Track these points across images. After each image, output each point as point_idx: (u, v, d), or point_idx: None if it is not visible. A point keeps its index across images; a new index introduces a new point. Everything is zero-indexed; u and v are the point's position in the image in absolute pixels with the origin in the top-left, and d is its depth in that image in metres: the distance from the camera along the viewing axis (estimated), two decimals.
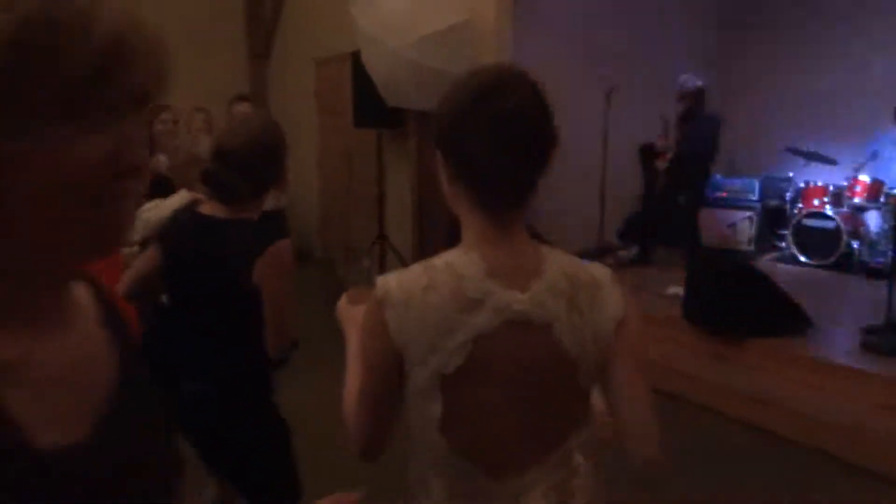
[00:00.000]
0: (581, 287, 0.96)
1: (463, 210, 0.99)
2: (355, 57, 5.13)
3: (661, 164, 5.07)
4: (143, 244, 3.63)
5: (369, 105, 5.17)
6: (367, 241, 5.77)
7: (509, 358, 0.93)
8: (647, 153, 5.25)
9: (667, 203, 5.12)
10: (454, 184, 0.99)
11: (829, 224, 5.56)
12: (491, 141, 0.92)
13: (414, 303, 0.93)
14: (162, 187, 3.27)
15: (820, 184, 5.87)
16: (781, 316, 3.86)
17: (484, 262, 0.94)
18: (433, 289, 0.93)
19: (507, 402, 0.95)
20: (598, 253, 5.37)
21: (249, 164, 1.66)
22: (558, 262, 0.97)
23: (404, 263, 5.69)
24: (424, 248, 5.61)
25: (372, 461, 1.03)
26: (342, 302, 1.07)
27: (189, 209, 1.79)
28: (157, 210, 2.93)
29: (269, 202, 2.82)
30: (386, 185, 5.79)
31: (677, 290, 4.52)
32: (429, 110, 5.15)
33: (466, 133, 0.93)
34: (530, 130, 0.94)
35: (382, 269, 5.35)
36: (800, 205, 5.92)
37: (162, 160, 3.47)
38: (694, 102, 5.05)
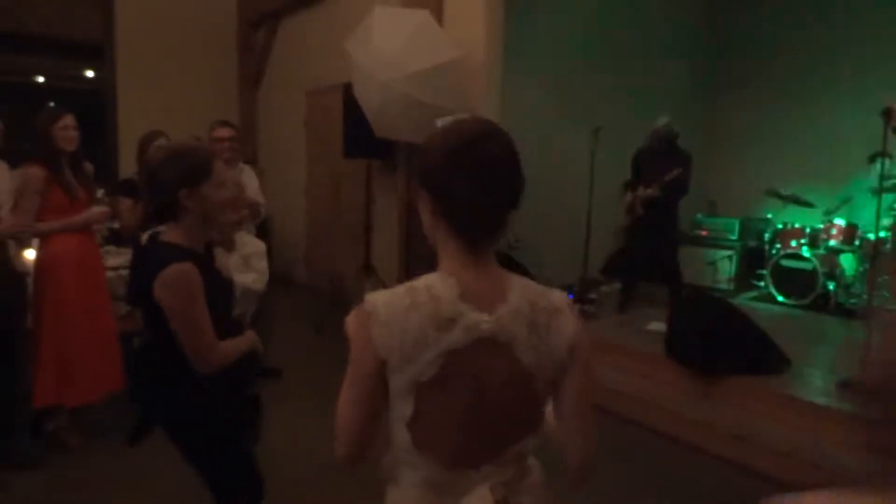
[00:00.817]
0: (540, 312, 1.10)
1: (441, 239, 1.13)
2: (346, 88, 5.21)
3: (639, 210, 5.16)
4: (135, 247, 3.71)
5: (359, 136, 5.23)
6: (352, 268, 5.78)
7: (475, 371, 1.07)
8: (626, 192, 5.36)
9: (646, 240, 5.20)
10: (435, 216, 1.12)
11: (807, 265, 5.69)
12: (474, 182, 1.06)
13: (397, 320, 1.06)
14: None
15: (797, 225, 6.02)
16: (762, 355, 3.92)
17: (458, 286, 1.08)
18: (414, 308, 1.06)
19: (470, 408, 1.09)
20: (581, 287, 5.43)
21: (147, 184, 1.79)
22: (522, 289, 1.11)
23: None
24: (410, 278, 5.63)
25: (353, 466, 1.15)
26: (351, 317, 1.15)
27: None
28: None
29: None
30: (373, 215, 5.83)
31: (659, 326, 4.58)
32: (417, 143, 5.24)
33: (452, 174, 1.07)
34: (507, 175, 1.09)
35: None
36: (778, 245, 6.06)
37: None
38: (671, 142, 5.18)
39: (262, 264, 3.47)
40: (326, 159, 6.54)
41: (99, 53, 7.07)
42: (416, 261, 5.53)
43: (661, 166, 5.02)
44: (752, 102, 7.10)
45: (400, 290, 1.10)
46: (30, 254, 3.34)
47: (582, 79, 6.27)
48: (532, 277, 4.69)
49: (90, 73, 10.42)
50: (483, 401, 1.08)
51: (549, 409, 1.19)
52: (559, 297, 1.13)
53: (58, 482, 3.05)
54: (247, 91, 7.73)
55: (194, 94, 7.05)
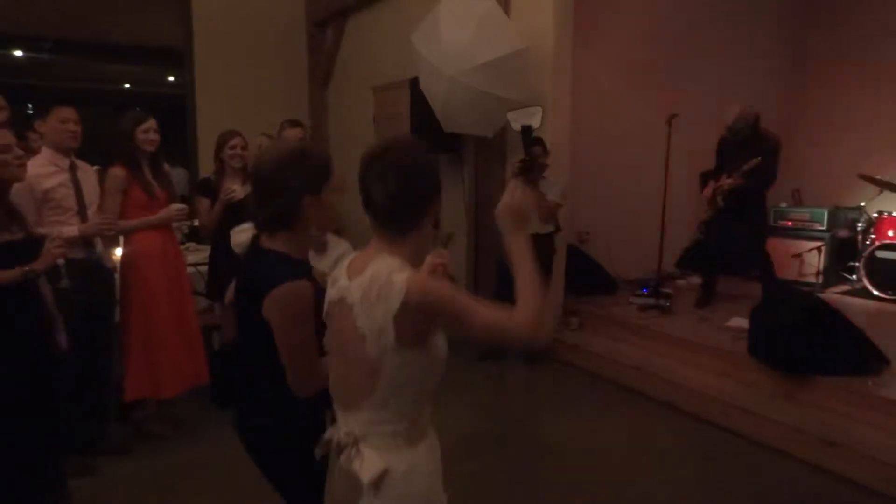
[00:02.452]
0: (375, 284, 1.29)
1: None
2: (413, 83, 5.22)
3: (719, 202, 4.87)
4: (214, 245, 3.82)
5: (426, 130, 5.22)
6: (420, 263, 5.79)
7: (336, 320, 1.40)
8: (709, 181, 5.07)
9: (728, 232, 4.93)
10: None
11: None
12: (361, 188, 1.36)
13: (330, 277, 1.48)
14: (238, 214, 3.43)
15: (895, 214, 5.59)
16: (854, 353, 3.66)
17: (353, 260, 1.43)
18: (336, 270, 1.46)
19: (335, 354, 1.43)
20: (656, 282, 5.24)
21: (261, 193, 1.64)
22: (374, 267, 1.32)
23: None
24: (478, 272, 5.60)
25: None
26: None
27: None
28: (248, 231, 3.04)
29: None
30: (441, 210, 5.82)
31: (741, 322, 4.36)
32: (486, 136, 5.21)
33: (367, 179, 1.35)
34: (384, 185, 1.32)
35: None
36: (872, 236, 5.65)
37: (238, 189, 3.59)
38: (754, 127, 4.86)
39: None
40: None
41: (179, 59, 7.38)
42: (485, 254, 5.49)
43: (744, 154, 4.73)
44: (841, 83, 6.63)
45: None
46: (118, 251, 3.51)
47: (656, 65, 6.04)
48: (600, 270, 4.57)
49: (171, 78, 10.96)
50: (342, 349, 1.38)
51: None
52: (399, 276, 1.27)
53: (145, 469, 3.21)
54: (316, 90, 7.88)
55: (266, 94, 7.25)
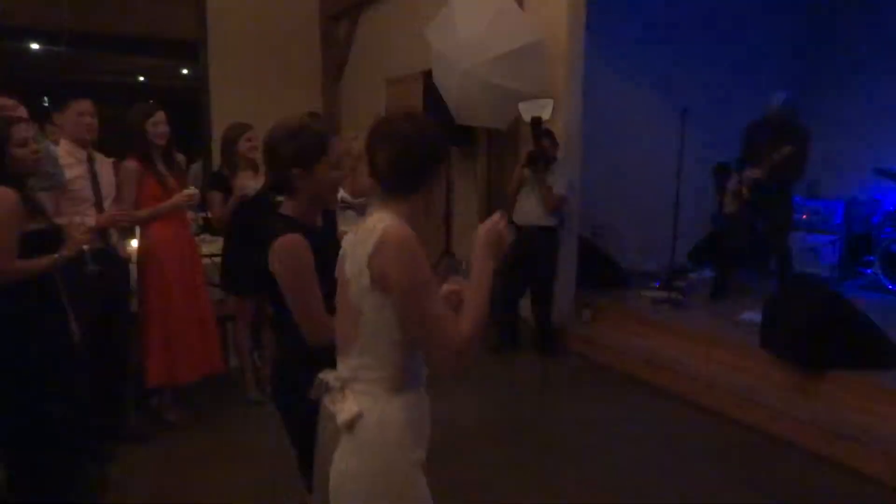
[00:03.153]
0: (363, 231, 1.36)
1: None
2: (426, 76, 5.22)
3: (745, 194, 4.80)
4: (228, 235, 3.85)
5: (439, 123, 5.23)
6: (433, 256, 5.82)
7: (339, 273, 1.45)
8: (724, 176, 5.02)
9: (744, 226, 4.89)
10: None
11: None
12: (385, 148, 1.40)
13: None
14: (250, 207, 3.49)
15: None
16: (868, 347, 3.64)
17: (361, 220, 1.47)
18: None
19: (338, 307, 1.47)
20: (669, 275, 5.23)
21: (265, 158, 1.80)
22: (370, 220, 1.38)
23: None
24: None
25: None
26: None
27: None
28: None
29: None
30: (453, 201, 5.84)
31: (754, 316, 4.34)
32: (498, 128, 5.21)
33: (371, 145, 1.43)
34: (386, 152, 1.39)
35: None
36: (888, 229, 5.59)
37: (250, 185, 3.64)
38: (785, 118, 4.78)
39: None
40: None
41: (193, 52, 7.42)
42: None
43: (774, 143, 4.66)
44: (856, 76, 6.55)
45: None
46: (134, 243, 3.55)
47: (669, 59, 6.00)
48: (613, 262, 4.56)
49: (186, 71, 11.00)
50: (340, 297, 1.44)
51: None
52: (379, 223, 1.33)
53: (162, 456, 3.26)
54: (330, 82, 7.91)
55: (280, 87, 7.28)
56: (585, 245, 5.42)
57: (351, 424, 1.37)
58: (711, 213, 5.95)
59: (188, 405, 3.70)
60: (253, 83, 7.16)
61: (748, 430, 3.60)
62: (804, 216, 6.08)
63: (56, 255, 2.35)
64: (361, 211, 2.85)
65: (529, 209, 4.64)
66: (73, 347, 2.47)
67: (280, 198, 1.86)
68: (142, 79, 12.30)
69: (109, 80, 11.39)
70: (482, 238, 1.46)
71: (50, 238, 2.37)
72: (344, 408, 1.39)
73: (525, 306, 4.95)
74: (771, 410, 3.56)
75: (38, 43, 9.76)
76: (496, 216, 1.51)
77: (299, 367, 1.72)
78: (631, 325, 4.89)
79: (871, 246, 5.77)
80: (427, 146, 1.42)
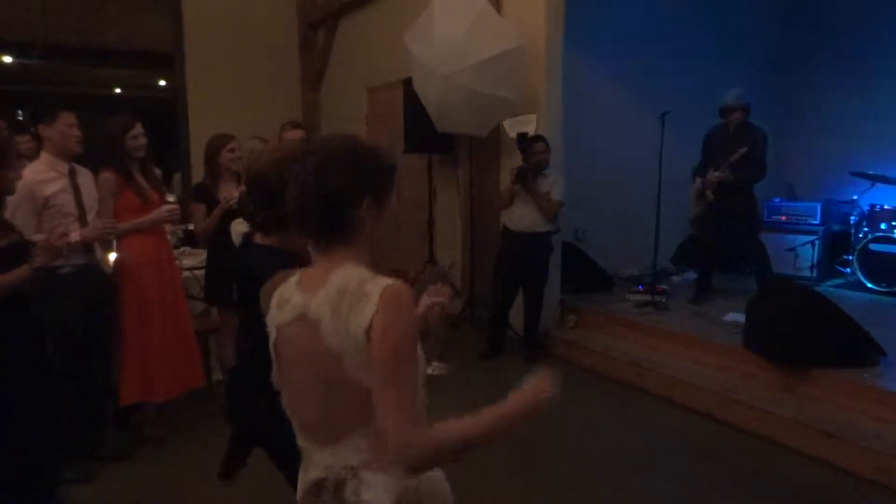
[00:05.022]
0: (346, 296, 1.16)
1: None
2: (406, 84, 5.21)
3: (709, 196, 4.89)
4: (210, 248, 3.83)
5: (420, 131, 5.23)
6: (415, 264, 5.79)
7: (296, 344, 1.24)
8: (695, 178, 5.09)
9: (721, 228, 4.94)
10: None
11: None
12: (290, 193, 1.24)
13: (272, 301, 1.32)
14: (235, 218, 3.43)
15: (888, 207, 5.62)
16: (851, 345, 3.68)
17: (300, 275, 1.29)
18: (278, 290, 1.31)
19: (303, 385, 1.25)
20: (652, 278, 5.26)
21: (267, 193, 1.69)
22: (338, 278, 1.19)
23: (453, 287, 5.69)
24: (475, 272, 5.60)
25: None
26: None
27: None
28: (244, 225, 3.05)
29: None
30: (436, 210, 5.82)
31: (737, 317, 4.37)
32: (479, 136, 5.21)
33: (289, 184, 1.25)
34: (305, 190, 1.21)
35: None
36: (866, 229, 5.68)
37: (236, 195, 3.58)
38: (745, 117, 4.87)
39: None
40: None
41: (170, 62, 7.35)
42: (481, 254, 5.49)
43: (732, 146, 4.76)
44: (831, 79, 6.66)
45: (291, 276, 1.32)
46: (113, 256, 3.49)
47: (647, 63, 6.06)
48: (596, 267, 4.56)
49: (163, 82, 10.89)
50: (312, 375, 1.21)
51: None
52: (374, 285, 1.15)
53: (145, 474, 3.19)
54: (309, 91, 7.87)
55: (259, 96, 7.23)
56: (569, 250, 5.43)
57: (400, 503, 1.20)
58: (690, 216, 6.00)
59: (170, 421, 3.63)
60: (231, 93, 7.11)
61: (734, 430, 3.61)
62: (783, 217, 6.16)
63: (32, 265, 2.30)
64: None
65: (523, 215, 4.63)
66: (47, 363, 2.41)
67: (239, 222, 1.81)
68: (118, 90, 12.19)
69: (84, 91, 11.27)
70: (531, 400, 1.26)
71: (20, 253, 2.31)
72: (377, 492, 1.19)
73: (511, 312, 4.94)
74: (756, 410, 3.58)
75: (10, 55, 9.62)
76: (543, 383, 1.30)
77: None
78: (615, 329, 4.90)
79: (849, 245, 5.85)
80: (342, 173, 1.20)
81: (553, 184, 4.60)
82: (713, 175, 4.79)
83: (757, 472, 3.20)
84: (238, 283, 1.78)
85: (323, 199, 1.20)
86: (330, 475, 1.22)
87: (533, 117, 4.64)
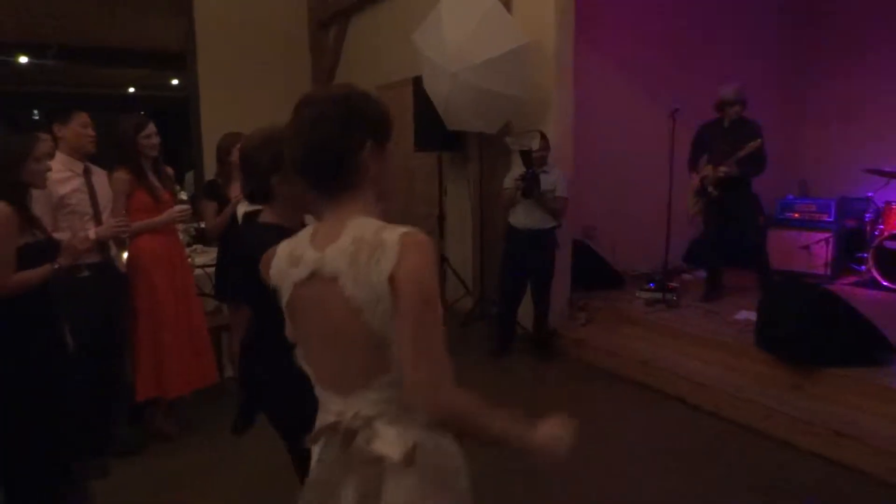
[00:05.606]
0: (362, 246, 1.15)
1: None
2: (416, 82, 5.22)
3: (713, 192, 4.86)
4: (221, 246, 3.83)
5: (430, 128, 5.24)
6: None
7: (313, 301, 1.23)
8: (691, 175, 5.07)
9: (727, 224, 4.89)
10: None
11: None
12: (291, 142, 1.24)
13: (276, 258, 1.30)
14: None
15: None
16: (863, 344, 3.64)
17: (312, 230, 1.28)
18: (286, 247, 1.29)
19: (320, 338, 1.25)
20: (662, 276, 5.23)
21: (242, 167, 1.85)
22: (353, 229, 1.18)
23: (464, 284, 5.70)
24: (484, 268, 5.60)
25: None
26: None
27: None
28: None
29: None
30: (446, 207, 5.83)
31: (748, 315, 4.35)
32: (488, 133, 5.21)
33: (287, 139, 1.26)
34: (312, 136, 1.20)
35: (442, 288, 5.35)
36: (881, 226, 5.62)
37: None
38: (742, 111, 4.83)
39: None
40: (398, 153, 6.57)
41: (182, 62, 7.41)
42: (490, 250, 5.49)
43: (732, 140, 4.71)
44: (845, 73, 6.59)
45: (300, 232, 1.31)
46: (125, 255, 3.54)
47: (658, 58, 6.02)
48: (606, 264, 4.52)
49: (175, 82, 11.00)
50: (330, 329, 1.21)
51: None
52: (391, 233, 1.14)
53: (156, 470, 3.23)
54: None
55: (270, 95, 7.23)
56: (579, 247, 5.42)
57: (411, 458, 1.18)
58: (692, 213, 5.97)
59: (182, 417, 3.67)
60: (243, 92, 7.15)
61: (743, 429, 3.59)
62: (796, 214, 6.10)
63: (54, 265, 2.34)
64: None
65: (528, 213, 4.63)
66: (68, 360, 2.45)
67: (257, 207, 1.89)
68: (131, 90, 12.32)
69: (98, 91, 11.41)
70: (544, 444, 1.27)
71: (45, 251, 2.36)
72: (391, 442, 1.19)
73: (521, 310, 4.95)
74: (766, 409, 3.56)
75: (26, 56, 9.75)
76: (558, 428, 1.31)
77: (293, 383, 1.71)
78: (626, 327, 4.89)
79: (864, 243, 5.79)
80: (345, 122, 1.20)
81: (556, 181, 4.59)
82: (721, 170, 4.74)
83: (766, 472, 3.18)
84: (240, 262, 1.84)
85: (324, 146, 1.20)
86: (343, 420, 1.22)
87: (536, 133, 4.65)
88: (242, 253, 1.76)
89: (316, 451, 1.29)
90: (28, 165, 2.34)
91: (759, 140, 4.60)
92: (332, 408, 1.26)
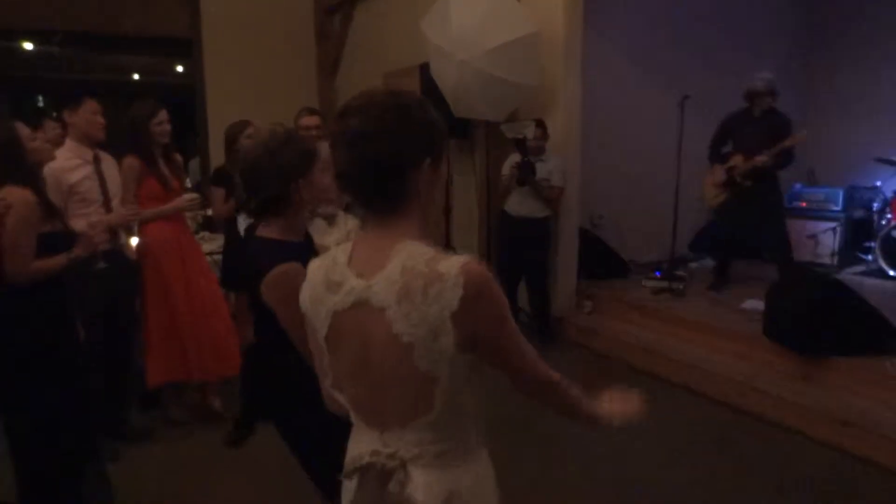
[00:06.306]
0: (416, 279, 1.04)
1: None
2: (423, 69, 5.19)
3: (745, 182, 4.76)
4: (227, 233, 3.74)
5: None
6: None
7: (355, 332, 1.12)
8: (723, 163, 5.02)
9: (738, 216, 4.86)
10: None
11: None
12: (339, 153, 1.10)
13: (310, 278, 1.19)
14: None
15: None
16: (871, 333, 3.64)
17: (350, 252, 1.16)
18: (321, 269, 1.17)
19: (358, 370, 1.14)
20: (669, 265, 5.22)
21: (250, 180, 1.68)
22: (402, 258, 1.07)
23: None
24: (491, 258, 5.60)
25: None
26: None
27: None
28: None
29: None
30: (452, 195, 5.82)
31: (755, 304, 4.34)
32: (495, 121, 5.18)
33: (332, 148, 1.12)
34: (364, 148, 1.07)
35: None
36: (889, 215, 5.59)
37: None
38: (773, 102, 4.74)
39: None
40: None
41: (188, 49, 7.38)
42: (497, 239, 5.48)
43: (762, 132, 4.65)
44: (853, 61, 6.53)
45: (330, 252, 1.21)
46: (134, 241, 3.54)
47: (667, 46, 5.97)
48: (613, 253, 4.52)
49: (180, 69, 10.96)
50: (371, 362, 1.11)
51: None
52: (448, 264, 1.04)
53: (166, 455, 3.26)
54: (325, 77, 7.86)
55: (275, 82, 7.24)
56: (585, 236, 5.41)
57: None
58: (707, 204, 5.93)
59: (194, 403, 3.69)
60: (249, 79, 7.12)
61: (750, 418, 3.60)
62: (804, 203, 6.08)
63: (71, 254, 2.35)
64: (331, 221, 2.79)
65: (522, 200, 4.66)
66: (79, 346, 2.47)
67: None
68: (136, 77, 12.29)
69: (103, 78, 11.38)
70: (624, 407, 1.39)
71: (63, 241, 2.37)
72: (425, 492, 1.12)
73: (522, 297, 4.95)
74: (773, 398, 3.57)
75: (32, 42, 9.73)
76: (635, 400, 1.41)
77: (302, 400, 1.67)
78: (632, 316, 4.89)
79: (871, 232, 5.77)
80: (406, 136, 1.09)
81: (553, 170, 4.59)
82: (759, 160, 4.61)
83: (774, 461, 3.19)
84: (244, 274, 1.79)
85: (378, 162, 1.07)
86: (377, 461, 1.14)
87: (530, 123, 4.65)
88: (249, 268, 1.69)
89: (349, 488, 1.22)
90: (25, 145, 2.31)
91: (805, 132, 4.54)
92: (365, 440, 1.19)
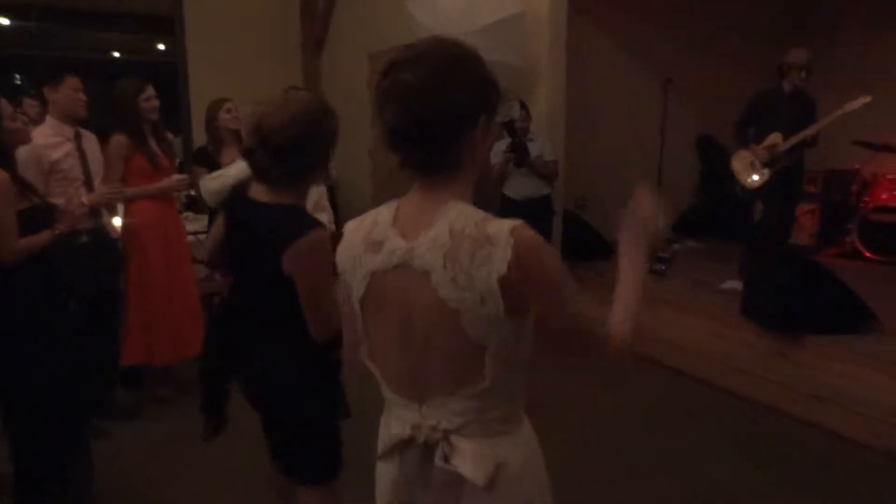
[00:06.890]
0: (465, 241, 1.00)
1: None
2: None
3: (785, 161, 4.53)
4: (212, 212, 3.66)
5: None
6: None
7: (396, 295, 1.06)
8: (707, 147, 5.01)
9: (778, 198, 4.59)
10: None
11: None
12: (388, 108, 1.03)
13: (348, 238, 1.14)
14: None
15: (889, 176, 5.62)
16: (845, 312, 3.73)
17: (395, 211, 1.10)
18: (360, 229, 1.12)
19: (403, 334, 1.08)
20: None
21: (282, 149, 1.58)
22: (453, 217, 1.02)
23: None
24: None
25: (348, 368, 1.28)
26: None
27: (244, 185, 1.76)
28: (221, 179, 3.05)
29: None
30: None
31: (734, 284, 4.42)
32: None
33: (378, 101, 1.05)
34: (418, 101, 1.00)
35: None
36: (866, 198, 5.69)
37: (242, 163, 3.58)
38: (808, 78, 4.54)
39: (326, 203, 3.37)
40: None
41: (169, 26, 7.26)
42: None
43: (795, 109, 4.55)
44: (834, 46, 6.58)
45: (371, 212, 1.15)
46: (116, 221, 3.52)
47: (651, 29, 5.99)
48: (597, 235, 4.58)
49: (161, 46, 10.77)
50: (413, 328, 1.06)
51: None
52: (498, 227, 1.00)
53: (151, 432, 3.28)
54: (310, 56, 7.79)
55: (259, 61, 7.15)
56: (570, 217, 5.45)
57: (493, 480, 1.08)
58: (694, 184, 6.00)
59: (178, 381, 3.70)
60: (232, 58, 7.03)
61: (729, 396, 3.69)
62: None
63: (54, 230, 2.35)
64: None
65: (524, 182, 4.66)
66: (71, 320, 2.47)
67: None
68: (116, 54, 12.06)
69: (81, 55, 11.16)
70: (632, 220, 1.22)
71: (42, 216, 2.36)
72: (472, 463, 1.08)
73: None
74: (751, 376, 3.65)
75: (8, 18, 9.50)
76: (642, 193, 1.24)
77: (294, 366, 1.71)
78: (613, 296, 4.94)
79: (849, 215, 5.87)
80: (466, 84, 1.03)
81: (542, 147, 4.61)
82: (808, 133, 4.44)
83: (752, 434, 3.28)
84: (246, 244, 1.71)
85: (435, 118, 1.01)
86: (418, 435, 1.11)
87: (516, 102, 4.63)
88: (266, 237, 1.63)
89: (387, 470, 1.18)
90: (3, 125, 2.31)
91: (869, 96, 4.35)
92: (404, 415, 1.14)
